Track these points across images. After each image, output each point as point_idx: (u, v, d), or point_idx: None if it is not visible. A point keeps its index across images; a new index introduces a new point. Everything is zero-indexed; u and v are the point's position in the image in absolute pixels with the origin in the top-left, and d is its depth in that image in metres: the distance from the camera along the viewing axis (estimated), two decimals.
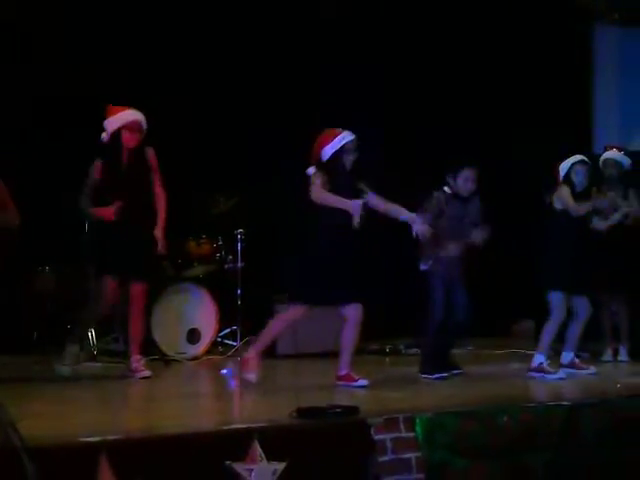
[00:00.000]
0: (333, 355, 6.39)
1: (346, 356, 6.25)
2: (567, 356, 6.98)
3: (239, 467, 4.35)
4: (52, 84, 8.13)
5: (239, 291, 8.28)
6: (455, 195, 6.69)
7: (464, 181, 6.65)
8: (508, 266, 9.04)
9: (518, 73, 9.81)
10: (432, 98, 9.49)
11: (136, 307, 6.59)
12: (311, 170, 6.20)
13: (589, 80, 10.24)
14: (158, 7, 8.66)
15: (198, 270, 8.09)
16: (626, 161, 7.89)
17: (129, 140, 6.47)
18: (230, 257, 8.28)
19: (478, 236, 6.59)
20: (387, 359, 8.00)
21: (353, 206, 6.07)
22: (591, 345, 7.74)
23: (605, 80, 10.20)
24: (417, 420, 4.90)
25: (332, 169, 6.14)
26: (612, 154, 7.92)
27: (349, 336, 6.26)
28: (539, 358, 6.75)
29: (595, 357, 7.67)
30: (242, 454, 4.37)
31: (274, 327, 6.42)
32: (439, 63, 9.61)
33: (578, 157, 6.99)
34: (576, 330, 6.92)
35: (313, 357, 7.68)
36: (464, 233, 6.66)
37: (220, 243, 8.22)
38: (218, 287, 8.18)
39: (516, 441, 5.16)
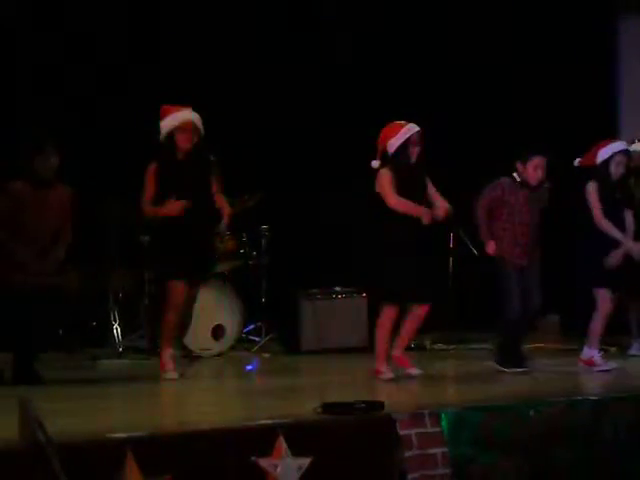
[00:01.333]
0: (356, 351, 6.37)
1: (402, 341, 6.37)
2: (588, 352, 6.90)
3: (265, 463, 4.35)
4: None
5: (263, 287, 8.29)
6: (522, 183, 6.56)
7: (534, 169, 6.49)
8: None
9: (545, 65, 9.77)
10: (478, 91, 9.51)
11: (190, 307, 6.56)
12: (375, 163, 6.22)
13: (615, 70, 10.17)
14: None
15: (223, 266, 8.10)
16: None
17: (183, 141, 6.33)
18: (254, 253, 8.29)
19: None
20: (412, 355, 7.97)
21: (424, 213, 6.07)
22: (618, 339, 7.71)
23: (630, 70, 10.11)
24: (443, 415, 4.88)
25: (398, 162, 6.13)
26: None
27: (413, 327, 6.31)
28: (588, 352, 6.74)
29: (622, 351, 7.61)
30: (268, 450, 4.36)
31: (381, 337, 6.30)
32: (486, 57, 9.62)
33: (621, 145, 6.85)
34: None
35: (337, 353, 7.67)
36: (533, 221, 6.56)
37: (244, 239, 8.22)
38: (242, 283, 8.19)
39: (542, 436, 5.13)
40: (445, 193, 6.41)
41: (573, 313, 9.14)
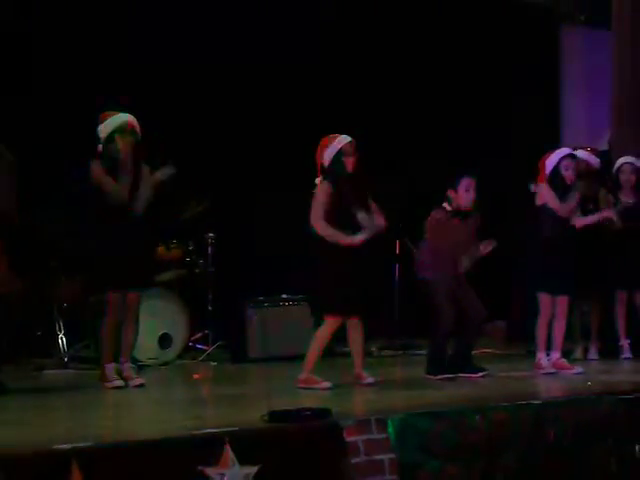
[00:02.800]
0: (303, 358, 6.37)
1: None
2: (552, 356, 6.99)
3: (212, 472, 4.33)
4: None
5: (210, 295, 8.26)
6: (455, 212, 6.70)
7: (465, 190, 6.65)
8: (480, 266, 9.09)
9: (486, 75, 9.87)
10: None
11: (132, 315, 6.49)
12: (318, 180, 6.29)
13: (556, 81, 10.33)
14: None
15: (169, 275, 8.07)
16: (595, 160, 7.93)
17: (123, 144, 6.28)
18: (201, 261, 8.27)
19: (485, 249, 6.63)
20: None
21: (352, 241, 6.09)
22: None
23: (572, 81, 10.28)
24: (389, 421, 4.89)
25: (334, 174, 6.19)
26: (582, 154, 7.96)
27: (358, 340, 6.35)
28: (539, 356, 6.89)
29: (565, 356, 7.70)
30: (214, 459, 4.35)
31: (316, 347, 6.30)
32: (408, 79, 9.67)
33: (566, 150, 6.99)
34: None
35: (284, 360, 7.67)
36: (467, 248, 6.69)
37: (191, 247, 8.20)
38: (189, 291, 8.16)
39: (489, 441, 5.16)
40: (392, 200, 6.46)
41: (519, 319, 9.27)
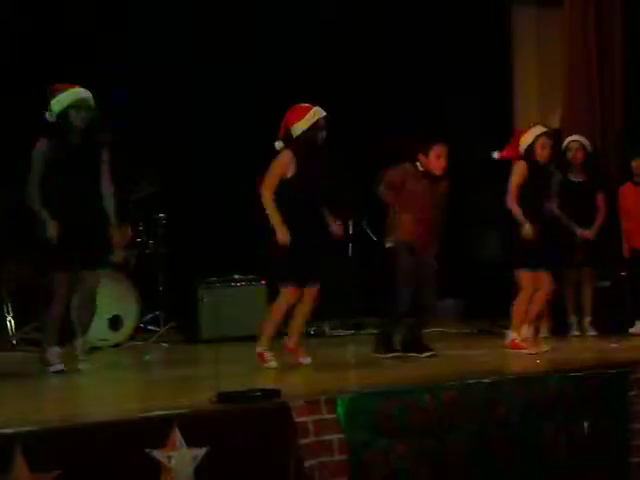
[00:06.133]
0: (255, 339, 6.33)
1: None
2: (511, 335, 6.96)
3: (159, 454, 4.30)
4: None
5: (161, 276, 8.19)
6: (425, 173, 6.56)
7: (437, 157, 6.50)
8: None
9: (439, 54, 9.85)
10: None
11: (88, 295, 6.36)
12: (278, 144, 6.14)
13: (508, 59, 10.33)
14: None
15: (118, 255, 7.97)
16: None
17: (77, 120, 6.10)
18: (151, 242, 8.19)
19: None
20: (312, 341, 7.99)
21: (280, 238, 5.98)
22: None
23: (524, 59, 10.30)
24: (339, 401, 4.88)
25: (303, 146, 6.06)
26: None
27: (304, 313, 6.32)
28: (510, 335, 6.83)
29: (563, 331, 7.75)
30: (162, 441, 4.31)
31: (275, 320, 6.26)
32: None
33: (542, 128, 6.90)
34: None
35: (236, 341, 7.63)
36: (432, 210, 6.58)
37: (141, 228, 8.12)
38: (140, 272, 8.09)
39: (438, 420, 5.17)
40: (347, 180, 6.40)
41: (474, 298, 9.32)
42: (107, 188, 6.32)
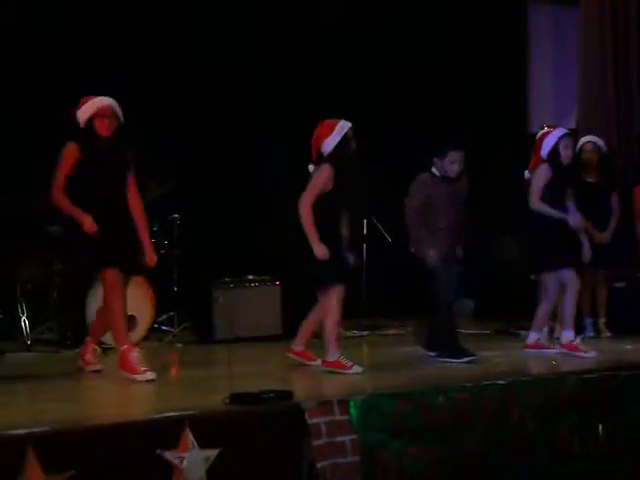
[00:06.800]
0: (269, 339, 6.34)
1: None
2: (533, 336, 6.97)
3: (171, 455, 4.30)
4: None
5: (176, 276, 8.20)
6: (442, 177, 6.59)
7: (450, 164, 6.54)
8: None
9: (456, 53, 9.84)
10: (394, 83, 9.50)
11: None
12: (311, 167, 6.17)
13: (524, 59, 10.30)
14: None
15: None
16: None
17: (103, 128, 6.04)
18: (166, 242, 8.19)
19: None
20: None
21: (318, 253, 5.97)
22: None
23: (539, 58, 10.26)
24: (351, 403, 4.88)
25: (338, 161, 6.09)
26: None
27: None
28: (534, 336, 6.86)
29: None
30: (174, 442, 4.32)
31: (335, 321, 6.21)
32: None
33: (563, 130, 6.92)
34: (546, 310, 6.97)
35: (250, 342, 7.63)
36: (455, 213, 6.61)
37: (155, 228, 8.12)
38: (154, 273, 8.08)
39: (452, 421, 5.16)
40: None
41: (488, 298, 9.30)
42: (135, 203, 6.24)
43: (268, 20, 9.23)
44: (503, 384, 5.48)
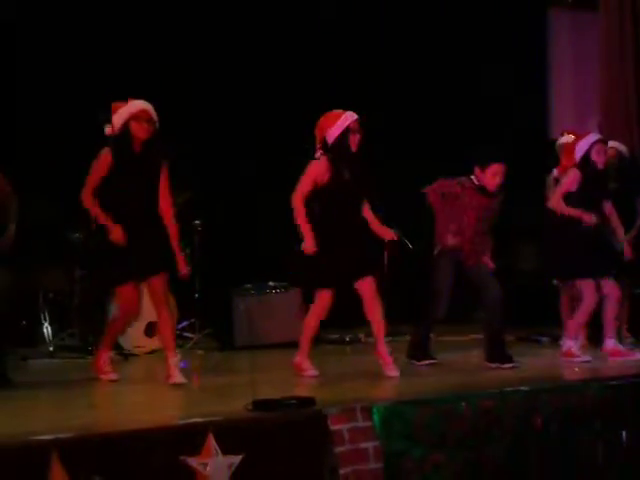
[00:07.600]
0: (290, 346, 6.34)
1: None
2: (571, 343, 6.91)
3: (194, 462, 4.30)
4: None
5: (197, 283, 8.21)
6: (480, 188, 6.52)
7: (492, 175, 6.45)
8: None
9: (475, 59, 9.82)
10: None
11: (159, 301, 6.22)
12: (318, 154, 6.13)
13: (544, 65, 10.28)
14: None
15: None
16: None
17: (139, 131, 5.97)
18: (187, 249, 8.20)
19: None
20: (347, 348, 7.98)
21: (306, 247, 6.00)
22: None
23: (560, 65, 10.24)
24: (374, 409, 4.88)
25: (338, 151, 6.05)
26: (569, 139, 7.91)
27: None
28: (568, 344, 6.82)
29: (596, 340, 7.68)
30: (197, 449, 4.32)
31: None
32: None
33: (596, 136, 6.92)
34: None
35: (271, 348, 7.63)
36: (482, 226, 6.56)
37: None
38: (175, 279, 8.09)
39: (475, 429, 5.14)
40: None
41: (513, 306, 9.25)
42: (166, 208, 6.17)
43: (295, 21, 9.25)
44: (526, 391, 5.46)
